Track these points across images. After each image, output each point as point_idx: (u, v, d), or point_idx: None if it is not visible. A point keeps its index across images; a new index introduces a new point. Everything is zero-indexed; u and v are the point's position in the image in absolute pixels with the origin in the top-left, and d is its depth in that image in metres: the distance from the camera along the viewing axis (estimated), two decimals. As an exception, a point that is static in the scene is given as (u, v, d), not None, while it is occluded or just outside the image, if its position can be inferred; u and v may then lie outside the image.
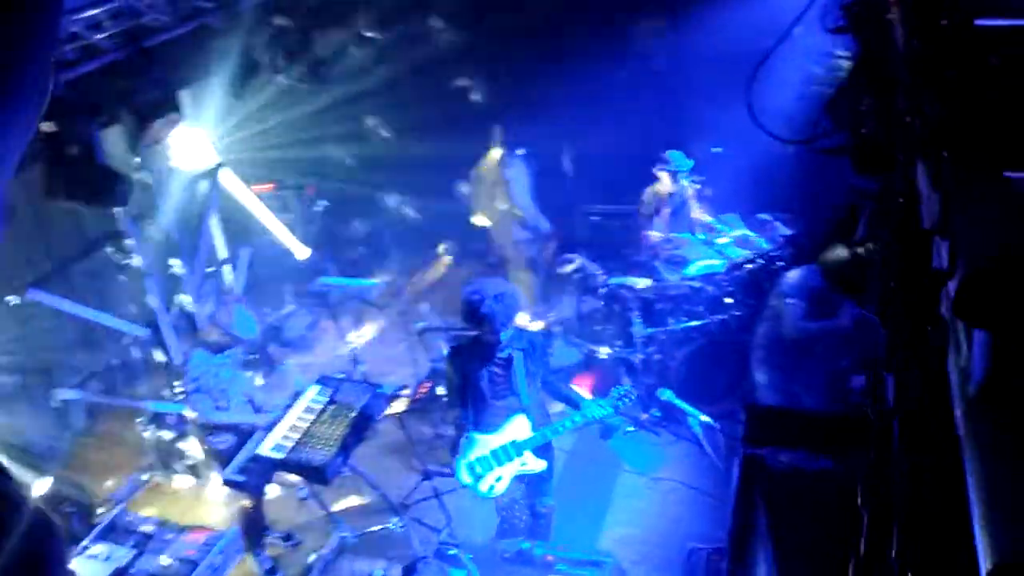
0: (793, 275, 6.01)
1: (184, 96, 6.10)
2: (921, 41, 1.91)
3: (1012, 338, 1.10)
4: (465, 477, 5.33)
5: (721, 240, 7.87)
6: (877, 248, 2.19)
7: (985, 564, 1.11)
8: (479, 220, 9.04)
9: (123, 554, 5.30)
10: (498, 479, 5.31)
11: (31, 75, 0.72)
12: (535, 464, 5.40)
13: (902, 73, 2.10)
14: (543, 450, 5.42)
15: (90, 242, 7.21)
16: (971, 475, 1.22)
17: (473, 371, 5.28)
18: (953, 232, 1.23)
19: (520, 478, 5.42)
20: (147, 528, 5.47)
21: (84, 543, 5.36)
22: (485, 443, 5.30)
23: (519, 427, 5.35)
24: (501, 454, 5.32)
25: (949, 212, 1.30)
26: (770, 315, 6.17)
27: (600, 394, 5.64)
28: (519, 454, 5.32)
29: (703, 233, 7.99)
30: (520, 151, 8.53)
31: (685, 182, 7.91)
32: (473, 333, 5.30)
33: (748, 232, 7.98)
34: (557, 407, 5.82)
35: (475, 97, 9.09)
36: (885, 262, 2.03)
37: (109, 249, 6.82)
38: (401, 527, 5.96)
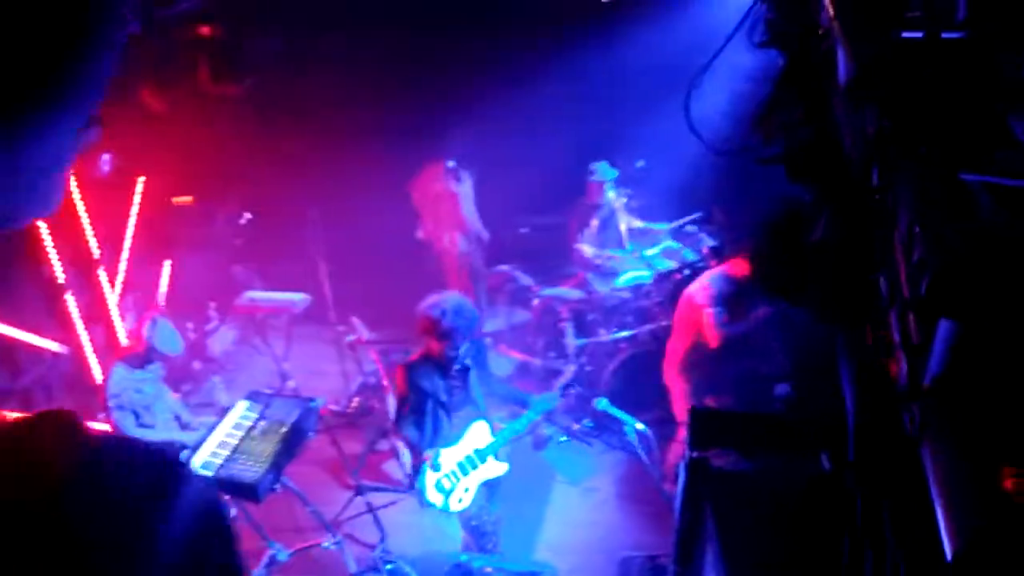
0: (702, 285, 6.12)
1: (104, 105, 5.90)
2: (875, 52, 1.99)
3: (981, 328, 1.16)
4: (436, 498, 5.22)
5: (649, 251, 8.02)
6: (831, 251, 2.28)
7: (948, 550, 1.15)
8: (424, 233, 9.00)
9: (43, 580, 5.07)
10: (465, 490, 5.29)
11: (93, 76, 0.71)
12: (499, 468, 5.42)
13: (851, 83, 2.18)
14: (498, 453, 5.44)
15: (6, 255, 6.92)
16: (930, 465, 1.27)
17: (432, 386, 5.20)
18: (928, 226, 1.29)
19: (483, 484, 5.39)
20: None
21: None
22: (449, 457, 5.24)
23: (478, 434, 5.35)
24: (466, 464, 5.30)
25: (922, 208, 1.36)
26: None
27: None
28: (483, 461, 5.32)
29: (631, 244, 8.12)
30: (450, 163, 8.53)
31: (612, 194, 8.03)
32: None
33: (673, 243, 8.15)
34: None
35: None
36: (846, 261, 2.10)
37: (27, 263, 6.56)
38: (335, 544, 5.86)
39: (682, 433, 6.10)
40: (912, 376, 1.42)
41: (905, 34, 2.19)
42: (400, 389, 5.28)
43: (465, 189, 8.73)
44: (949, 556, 1.14)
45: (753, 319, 6.08)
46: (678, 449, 6.31)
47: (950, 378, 1.24)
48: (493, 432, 5.40)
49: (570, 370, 5.85)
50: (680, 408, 6.25)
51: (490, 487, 5.49)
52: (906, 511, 1.37)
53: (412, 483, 5.30)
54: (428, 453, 5.17)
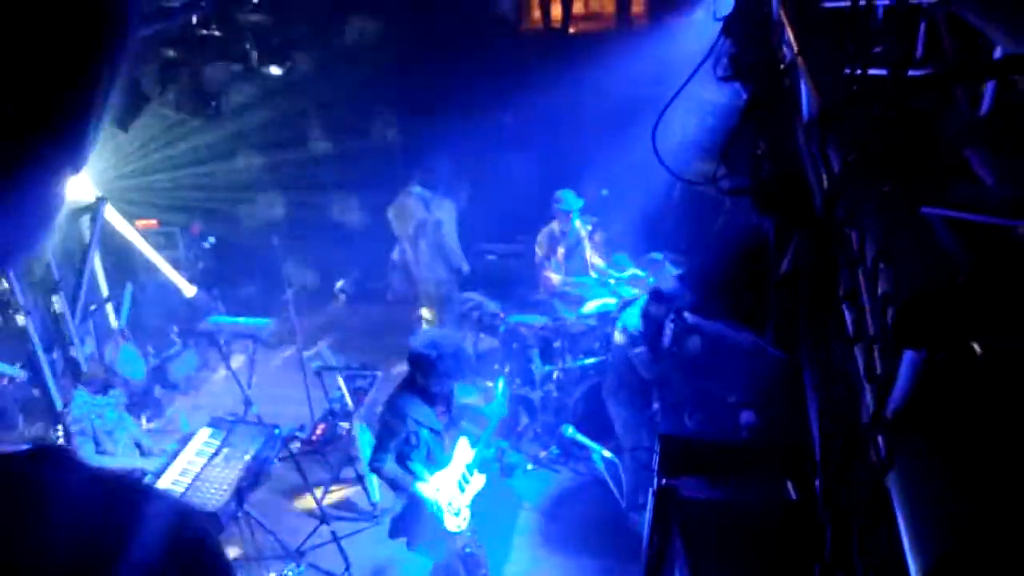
0: (624, 331, 6.29)
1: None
2: (842, 88, 2.05)
3: (948, 357, 1.20)
4: (452, 523, 5.14)
5: (613, 280, 8.08)
6: (795, 284, 2.32)
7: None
8: (397, 256, 8.98)
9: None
10: (465, 507, 5.27)
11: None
12: (480, 481, 5.40)
13: (813, 118, 2.24)
14: (480, 465, 5.46)
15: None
16: (895, 494, 1.29)
17: (424, 416, 5.10)
18: (892, 260, 1.33)
19: (472, 502, 5.38)
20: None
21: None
22: (448, 478, 5.21)
23: (463, 450, 5.34)
24: (462, 482, 5.29)
25: (886, 242, 1.40)
26: (618, 365, 6.50)
27: (500, 433, 5.74)
28: (471, 475, 5.30)
29: (597, 273, 8.18)
30: (416, 189, 8.54)
31: (578, 222, 8.10)
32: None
33: (638, 271, 8.22)
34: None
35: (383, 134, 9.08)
36: (810, 293, 2.14)
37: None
38: (298, 573, 5.78)
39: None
40: (877, 406, 1.46)
41: (871, 71, 2.27)
42: (386, 423, 5.07)
43: (448, 215, 8.74)
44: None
45: (685, 348, 6.27)
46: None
47: (914, 408, 1.28)
48: (473, 445, 5.40)
49: (505, 382, 5.94)
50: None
51: (476, 507, 5.45)
52: (874, 539, 1.39)
53: (396, 520, 5.21)
54: (431, 481, 5.09)
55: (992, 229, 1.50)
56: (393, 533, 5.26)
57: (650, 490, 3.13)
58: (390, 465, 5.04)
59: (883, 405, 1.42)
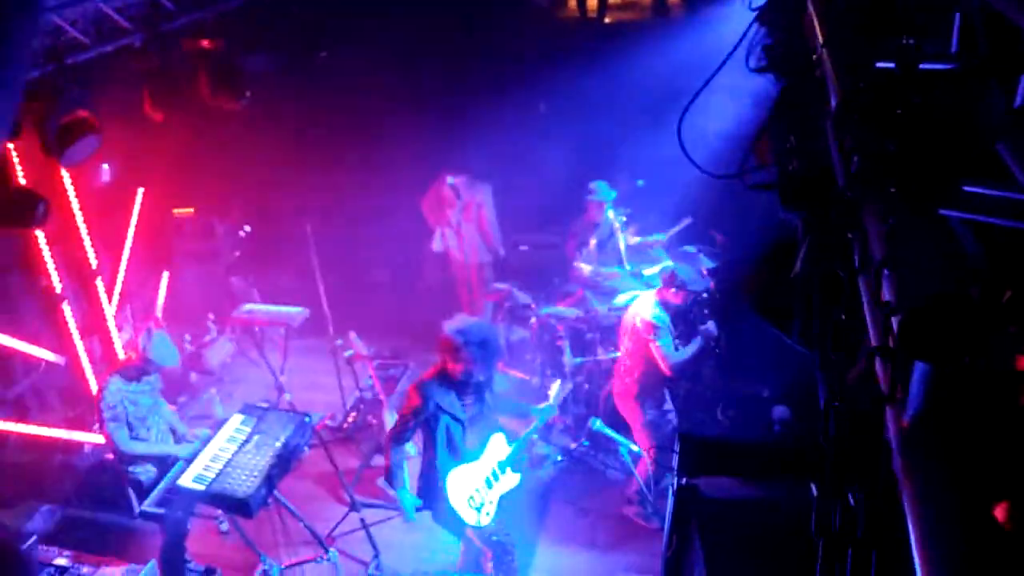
0: (642, 319, 6.13)
1: (105, 116, 5.92)
2: (859, 83, 1.99)
3: (952, 370, 1.16)
4: (470, 516, 5.16)
5: (648, 271, 8.01)
6: (813, 283, 2.27)
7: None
8: (438, 245, 9.03)
9: (34, 589, 5.06)
10: (491, 503, 5.27)
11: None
12: (514, 479, 5.40)
13: (835, 113, 2.18)
14: (515, 464, 5.43)
15: (3, 264, 6.93)
16: (908, 504, 1.26)
17: (448, 403, 5.11)
18: (898, 265, 1.28)
19: (502, 497, 5.37)
20: (61, 561, 5.23)
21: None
22: (475, 472, 5.22)
23: (497, 446, 5.34)
24: (492, 478, 5.29)
25: (894, 246, 1.35)
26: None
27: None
28: (503, 473, 5.30)
29: (631, 264, 8.11)
30: (449, 180, 8.54)
31: (611, 213, 8.04)
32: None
33: (672, 263, 8.13)
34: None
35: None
36: (826, 298, 2.09)
37: (24, 271, 6.56)
38: (328, 560, 5.83)
39: (644, 460, 6.17)
40: (894, 419, 1.41)
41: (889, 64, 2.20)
42: (412, 405, 5.12)
43: (488, 200, 8.82)
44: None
45: (704, 337, 6.12)
46: (641, 471, 6.33)
47: (929, 417, 1.24)
48: (509, 443, 5.39)
49: (563, 385, 5.80)
50: (641, 436, 6.23)
51: (504, 501, 5.45)
52: (887, 548, 1.36)
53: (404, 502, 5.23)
54: (447, 473, 5.12)
55: (1018, 232, 1.44)
56: (405, 518, 5.30)
57: (669, 489, 3.09)
58: (402, 450, 5.16)
59: (898, 415, 1.37)
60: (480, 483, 5.23)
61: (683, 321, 7.05)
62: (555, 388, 5.64)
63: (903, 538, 1.27)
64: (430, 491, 5.21)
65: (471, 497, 5.16)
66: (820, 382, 2.20)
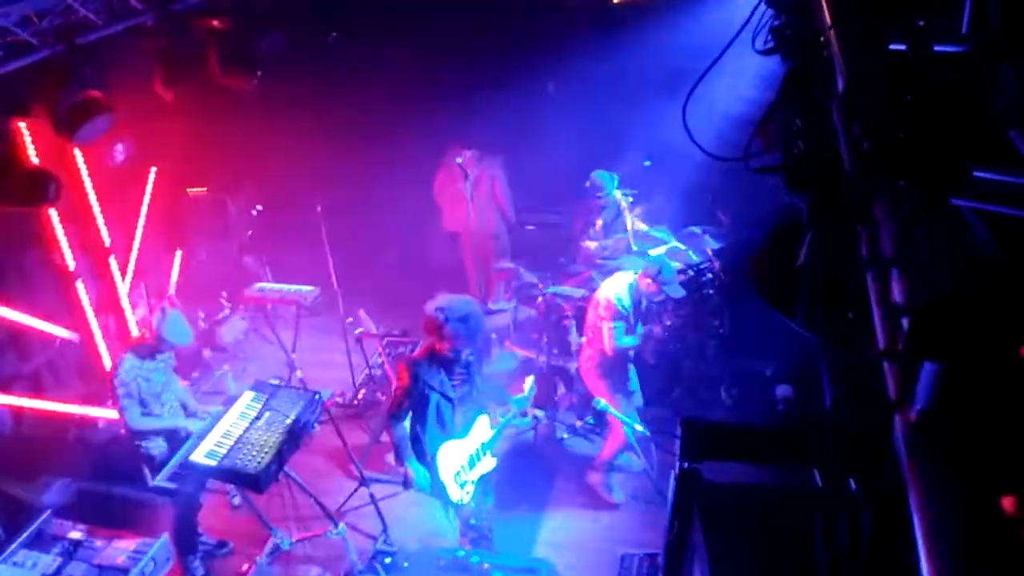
0: (607, 299, 6.29)
1: (117, 95, 5.97)
2: (867, 66, 1.97)
3: (960, 369, 1.16)
4: (455, 492, 5.28)
5: (654, 252, 8.04)
6: (818, 274, 2.27)
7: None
8: (451, 223, 9.11)
9: (49, 561, 5.17)
10: (473, 483, 5.39)
11: None
12: (491, 463, 5.51)
13: (842, 98, 2.17)
14: (492, 448, 5.54)
15: (19, 242, 7.00)
16: (913, 499, 1.27)
17: (438, 382, 5.21)
18: (908, 264, 1.28)
19: (480, 479, 5.48)
20: (75, 535, 5.35)
21: (9, 550, 5.22)
22: (461, 449, 5.32)
23: (482, 428, 5.44)
24: (475, 458, 5.39)
25: (903, 243, 1.34)
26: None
27: (536, 401, 5.80)
28: (484, 454, 5.39)
29: (637, 244, 8.14)
30: (458, 159, 8.57)
31: (618, 193, 8.06)
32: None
33: (678, 244, 8.17)
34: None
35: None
36: (830, 290, 2.09)
37: (39, 250, 6.63)
38: (337, 534, 5.93)
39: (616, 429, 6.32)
40: (902, 416, 1.41)
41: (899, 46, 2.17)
42: (403, 384, 5.24)
43: (499, 172, 8.96)
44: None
45: (643, 335, 6.38)
46: (614, 442, 6.46)
47: (936, 413, 1.24)
48: (492, 426, 5.48)
49: (535, 381, 5.87)
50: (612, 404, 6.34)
51: (484, 482, 5.57)
52: (889, 536, 1.38)
53: (410, 481, 5.30)
54: (442, 448, 5.21)
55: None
56: (407, 485, 5.39)
57: (672, 473, 3.13)
58: (403, 426, 5.24)
59: (908, 408, 1.37)
60: (465, 461, 5.33)
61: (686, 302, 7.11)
62: (529, 381, 5.69)
63: (908, 537, 1.28)
64: (421, 457, 5.32)
65: (457, 473, 5.27)
66: (824, 379, 2.21)
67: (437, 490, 5.30)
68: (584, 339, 6.59)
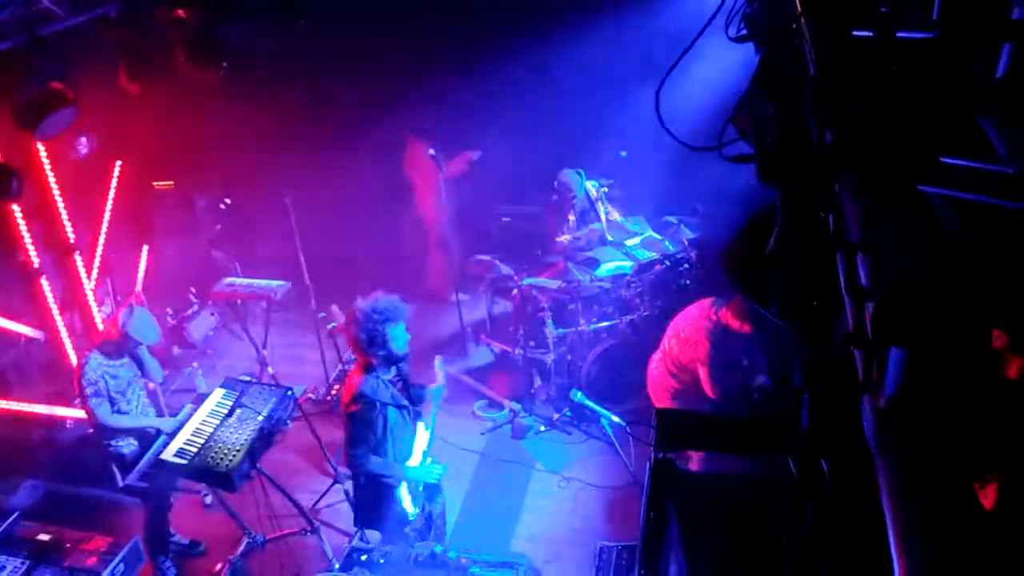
0: (702, 340, 5.92)
1: (80, 89, 5.83)
2: (835, 53, 1.97)
3: (927, 355, 1.16)
4: (412, 508, 5.11)
5: (629, 242, 8.03)
6: (788, 262, 2.26)
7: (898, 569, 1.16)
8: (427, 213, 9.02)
9: (18, 564, 5.05)
10: (419, 490, 5.25)
11: None
12: (437, 470, 5.31)
13: (812, 85, 2.16)
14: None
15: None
16: (883, 486, 1.26)
17: (390, 395, 4.91)
18: (873, 249, 1.28)
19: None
20: (44, 537, 5.23)
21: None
22: (414, 461, 5.17)
23: (421, 435, 5.25)
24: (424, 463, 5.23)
25: (869, 228, 1.35)
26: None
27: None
28: (426, 459, 5.25)
29: (612, 234, 8.12)
30: (431, 151, 8.47)
31: (589, 184, 8.04)
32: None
33: (654, 234, 8.16)
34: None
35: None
36: (800, 279, 2.08)
37: (1, 247, 6.48)
38: (312, 532, 5.87)
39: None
40: (870, 402, 1.41)
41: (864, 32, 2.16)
42: (359, 417, 4.79)
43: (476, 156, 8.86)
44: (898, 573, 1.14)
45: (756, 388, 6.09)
46: None
47: (905, 399, 1.24)
48: (426, 426, 5.32)
49: (443, 362, 5.65)
50: None
51: (428, 485, 5.33)
52: (857, 523, 1.37)
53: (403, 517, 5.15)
54: (402, 469, 5.02)
55: (999, 209, 1.43)
56: (364, 523, 5.24)
57: (647, 464, 3.11)
58: (373, 460, 4.87)
59: (876, 394, 1.37)
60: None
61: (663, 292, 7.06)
62: (438, 362, 5.53)
63: (877, 524, 1.27)
64: (379, 498, 5.06)
65: (410, 488, 5.10)
66: (794, 365, 2.20)
67: (385, 522, 5.13)
68: (660, 360, 6.27)
